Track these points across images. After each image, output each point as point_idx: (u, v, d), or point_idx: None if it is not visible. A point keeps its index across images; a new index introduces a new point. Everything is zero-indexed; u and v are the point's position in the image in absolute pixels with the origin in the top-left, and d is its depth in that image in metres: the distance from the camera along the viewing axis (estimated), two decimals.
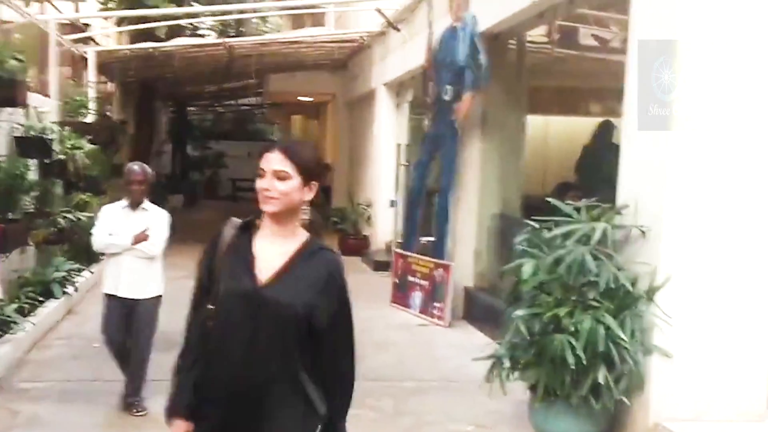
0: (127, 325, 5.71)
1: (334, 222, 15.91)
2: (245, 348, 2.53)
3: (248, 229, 2.65)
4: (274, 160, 2.54)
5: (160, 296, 5.84)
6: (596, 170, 6.46)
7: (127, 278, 5.67)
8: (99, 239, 5.74)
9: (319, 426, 2.67)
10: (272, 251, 2.60)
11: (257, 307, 2.53)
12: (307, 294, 2.55)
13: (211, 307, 2.59)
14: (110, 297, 5.71)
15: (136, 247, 5.64)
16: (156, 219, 5.80)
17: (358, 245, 14.28)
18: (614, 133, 6.35)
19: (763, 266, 4.80)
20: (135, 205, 5.76)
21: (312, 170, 2.57)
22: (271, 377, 2.55)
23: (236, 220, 2.70)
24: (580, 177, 8.01)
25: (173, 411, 2.65)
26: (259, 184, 2.55)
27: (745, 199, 4.78)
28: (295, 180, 2.53)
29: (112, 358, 5.82)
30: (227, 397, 2.56)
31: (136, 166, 5.87)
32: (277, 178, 2.52)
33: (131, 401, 5.68)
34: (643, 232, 4.86)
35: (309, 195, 2.59)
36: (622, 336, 4.58)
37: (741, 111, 4.75)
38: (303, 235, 2.64)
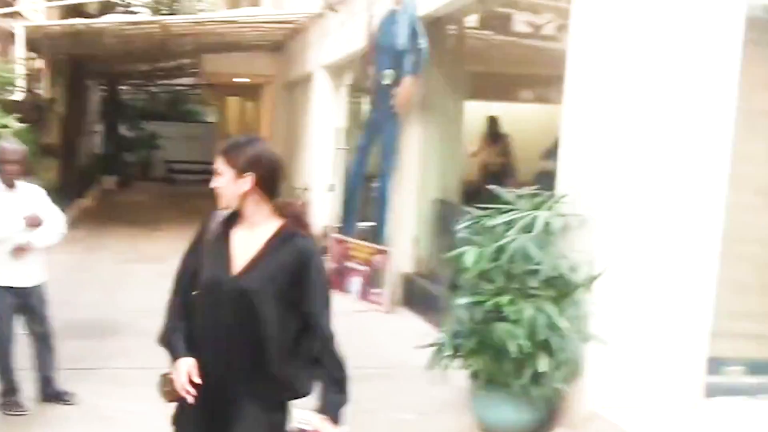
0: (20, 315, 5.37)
1: None
2: (224, 335, 2.80)
3: (231, 222, 2.89)
4: (216, 162, 2.85)
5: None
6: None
7: (15, 265, 5.20)
8: None
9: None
10: (248, 241, 2.85)
11: (232, 295, 2.78)
12: (279, 278, 2.79)
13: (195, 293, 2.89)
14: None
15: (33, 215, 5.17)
16: (39, 199, 5.39)
17: None
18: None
19: (697, 253, 4.88)
20: (11, 185, 5.26)
21: (240, 163, 2.79)
22: (247, 361, 2.81)
23: (221, 213, 2.92)
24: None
25: (176, 357, 2.88)
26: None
27: (679, 187, 4.84)
28: (227, 174, 2.81)
29: (5, 355, 5.36)
30: (207, 383, 2.80)
31: (7, 144, 5.41)
32: (217, 175, 2.84)
33: (57, 391, 5.49)
34: (582, 220, 4.89)
35: (245, 185, 2.80)
36: (562, 324, 4.60)
37: (674, 103, 4.79)
38: (276, 223, 2.86)
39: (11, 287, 5.23)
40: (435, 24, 8.52)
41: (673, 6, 4.73)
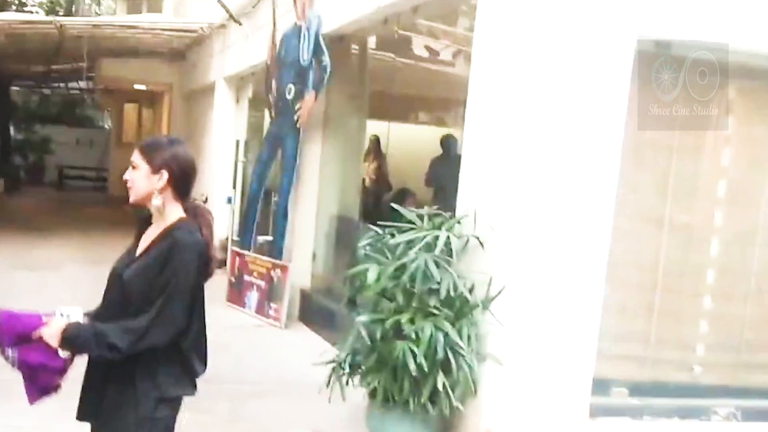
0: None
1: None
2: (108, 320, 2.82)
3: (149, 221, 2.98)
4: (133, 155, 2.91)
5: None
6: (445, 180, 6.62)
7: None
8: None
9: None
10: (148, 236, 2.94)
11: (118, 284, 2.86)
12: (150, 270, 2.80)
13: None
14: None
15: None
16: None
17: None
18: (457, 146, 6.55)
19: (585, 276, 5.06)
20: None
21: (157, 160, 2.86)
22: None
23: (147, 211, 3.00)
24: (432, 187, 8.19)
25: None
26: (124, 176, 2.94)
27: (569, 212, 5.00)
28: (142, 169, 2.87)
29: None
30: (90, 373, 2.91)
31: None
32: (132, 168, 2.90)
33: None
34: (480, 241, 5.02)
35: (160, 182, 2.86)
36: (460, 343, 4.71)
37: (566, 131, 4.96)
38: (173, 219, 2.90)
39: None
40: (339, 42, 8.60)
41: (568, 39, 4.92)
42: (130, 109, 25.78)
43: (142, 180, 2.87)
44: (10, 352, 2.82)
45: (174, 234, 2.84)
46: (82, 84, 24.50)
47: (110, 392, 2.86)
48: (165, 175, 2.86)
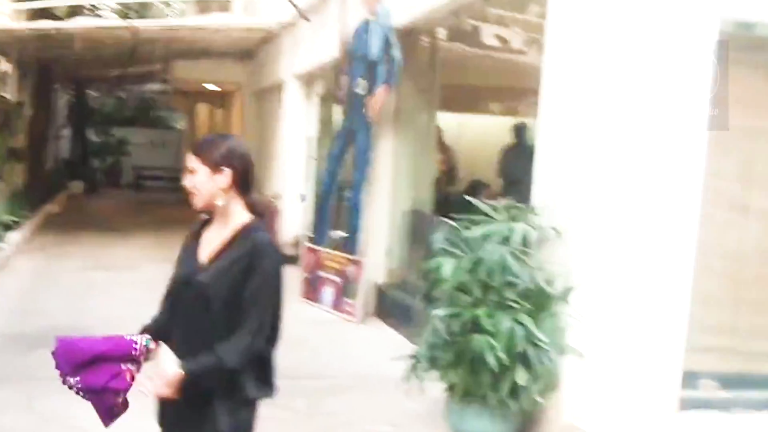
0: None
1: None
2: (183, 329, 2.79)
3: (207, 222, 2.91)
4: (187, 160, 2.81)
5: None
6: (518, 170, 6.52)
7: None
8: None
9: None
10: (213, 239, 2.84)
11: (191, 290, 2.77)
12: (231, 274, 2.72)
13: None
14: None
15: None
16: None
17: None
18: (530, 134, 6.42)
19: (672, 267, 4.92)
20: None
21: (216, 159, 2.77)
22: (196, 352, 2.70)
23: (203, 217, 2.92)
24: (504, 177, 8.09)
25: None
26: (184, 183, 2.83)
27: (654, 201, 4.88)
28: (202, 171, 2.77)
29: None
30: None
31: None
32: (190, 174, 2.80)
33: None
34: (558, 232, 4.92)
35: (223, 181, 2.77)
36: (540, 336, 4.62)
37: (648, 118, 4.82)
38: (242, 220, 2.82)
39: None
40: (409, 35, 8.55)
41: (648, 24, 4.77)
42: (202, 109, 26.24)
43: (204, 183, 2.77)
44: (72, 381, 2.74)
45: (254, 237, 2.76)
46: (156, 86, 25.02)
47: (191, 405, 2.73)
48: (228, 172, 2.77)
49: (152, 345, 2.80)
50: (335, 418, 5.70)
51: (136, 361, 2.77)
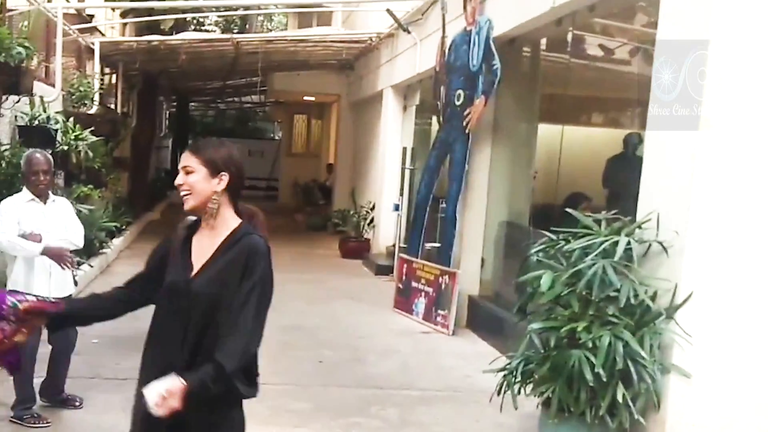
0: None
1: (335, 224, 15.78)
2: (178, 333, 2.77)
3: (194, 227, 2.90)
4: (184, 159, 2.83)
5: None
6: (625, 183, 6.33)
7: (41, 278, 5.19)
8: (7, 239, 5.06)
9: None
10: (205, 244, 2.85)
11: (183, 297, 2.78)
12: (227, 279, 2.75)
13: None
14: None
15: (57, 246, 5.15)
16: (67, 212, 5.45)
17: (359, 248, 14.15)
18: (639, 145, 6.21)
19: None
20: (44, 197, 5.27)
21: (216, 163, 2.79)
22: (200, 358, 2.72)
23: (188, 219, 2.92)
24: (610, 190, 7.87)
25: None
26: (176, 182, 2.83)
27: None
28: (200, 172, 2.79)
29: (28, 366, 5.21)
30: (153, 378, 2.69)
31: (38, 154, 5.30)
32: (185, 173, 2.80)
33: (64, 397, 5.57)
34: (664, 247, 4.73)
35: (220, 185, 2.80)
36: (642, 353, 4.44)
37: (758, 118, 4.60)
38: (234, 225, 2.85)
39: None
40: (509, 45, 8.45)
41: (750, 36, 4.55)
42: (299, 120, 26.66)
43: (201, 183, 2.78)
44: None
45: (248, 241, 2.79)
46: (255, 98, 25.55)
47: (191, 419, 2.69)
48: (225, 177, 2.79)
49: (22, 307, 2.88)
50: (426, 428, 5.63)
51: (4, 318, 2.89)
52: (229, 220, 2.85)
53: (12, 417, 5.26)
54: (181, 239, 2.89)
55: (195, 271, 2.81)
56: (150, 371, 2.77)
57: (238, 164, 2.85)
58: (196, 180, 2.78)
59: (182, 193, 2.81)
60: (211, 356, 2.67)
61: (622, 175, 6.38)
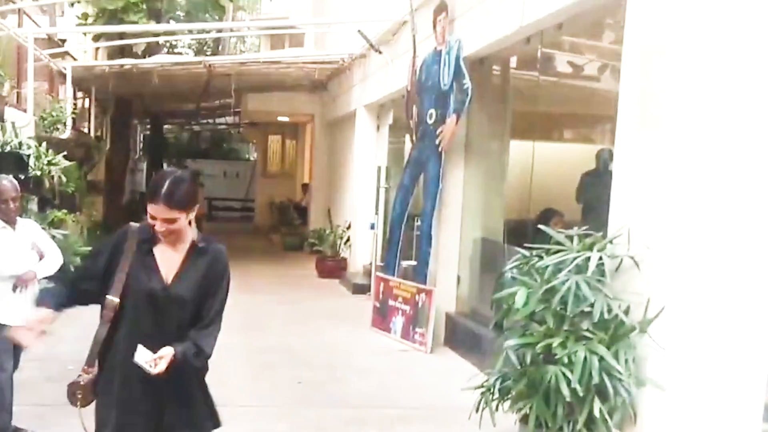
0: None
1: (312, 244, 15.75)
2: (153, 334, 3.17)
3: (153, 239, 3.25)
4: (161, 212, 3.13)
5: None
6: (596, 197, 6.41)
7: (12, 303, 5.14)
8: None
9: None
10: (170, 255, 3.27)
11: (163, 302, 3.20)
12: (200, 283, 3.26)
13: (115, 299, 3.19)
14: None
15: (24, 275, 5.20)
16: (38, 234, 5.48)
17: (335, 267, 14.15)
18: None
19: (756, 297, 4.73)
20: (13, 223, 5.27)
21: (187, 202, 3.19)
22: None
23: (136, 225, 3.32)
24: (583, 204, 7.97)
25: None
26: (156, 227, 3.16)
27: (739, 226, 4.70)
28: (181, 217, 3.18)
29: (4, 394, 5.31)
30: (133, 376, 3.15)
31: (5, 182, 5.26)
32: (168, 224, 3.15)
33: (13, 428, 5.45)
34: (635, 261, 4.79)
35: (192, 214, 3.24)
36: (617, 367, 4.49)
37: (730, 137, 4.67)
38: (193, 236, 3.29)
39: (4, 325, 5.00)
40: (479, 64, 8.54)
41: (724, 50, 4.64)
42: (274, 141, 26.65)
43: (182, 223, 3.19)
44: None
45: (212, 248, 3.32)
46: (230, 119, 25.54)
47: (169, 413, 3.29)
48: (196, 206, 3.24)
49: None
50: None
51: None
52: (190, 232, 3.29)
53: None
54: (139, 249, 3.24)
55: (170, 279, 3.23)
56: (127, 363, 3.14)
57: (196, 189, 3.33)
58: (180, 225, 3.19)
59: (163, 234, 3.20)
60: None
61: (596, 189, 6.45)
